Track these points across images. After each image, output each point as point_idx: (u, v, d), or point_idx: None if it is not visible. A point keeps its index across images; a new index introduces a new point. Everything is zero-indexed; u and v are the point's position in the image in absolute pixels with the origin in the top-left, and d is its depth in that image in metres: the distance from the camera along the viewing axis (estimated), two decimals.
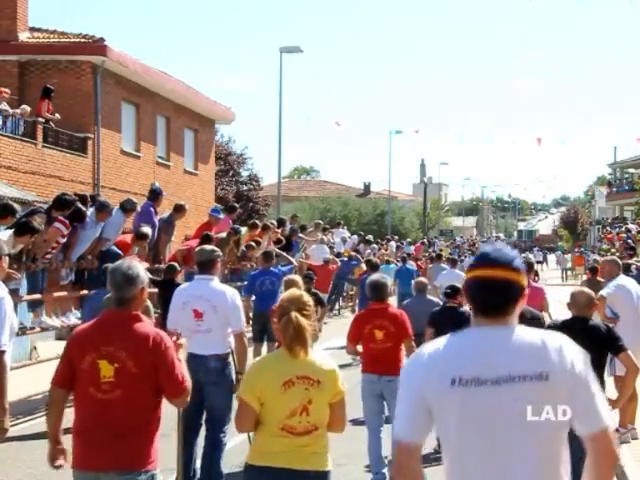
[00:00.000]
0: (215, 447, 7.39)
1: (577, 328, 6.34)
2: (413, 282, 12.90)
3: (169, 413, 7.04)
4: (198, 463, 7.48)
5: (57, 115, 20.29)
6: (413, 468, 2.83)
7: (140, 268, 4.66)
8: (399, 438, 2.83)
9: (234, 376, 7.44)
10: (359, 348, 8.10)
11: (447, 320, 8.20)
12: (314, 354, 4.46)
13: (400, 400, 2.92)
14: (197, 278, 7.81)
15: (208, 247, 8.25)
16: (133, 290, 4.54)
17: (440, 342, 2.87)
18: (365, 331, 7.88)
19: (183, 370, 4.67)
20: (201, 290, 7.48)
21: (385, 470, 7.64)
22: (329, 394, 4.42)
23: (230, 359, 7.55)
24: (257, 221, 19.91)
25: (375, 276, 8.38)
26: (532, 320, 6.71)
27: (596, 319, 7.13)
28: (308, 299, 4.49)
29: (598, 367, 6.47)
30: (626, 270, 12.14)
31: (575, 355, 2.77)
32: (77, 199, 11.82)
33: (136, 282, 4.54)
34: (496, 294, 2.82)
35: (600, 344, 6.32)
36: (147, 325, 4.63)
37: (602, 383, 6.50)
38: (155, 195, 14.64)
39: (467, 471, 2.77)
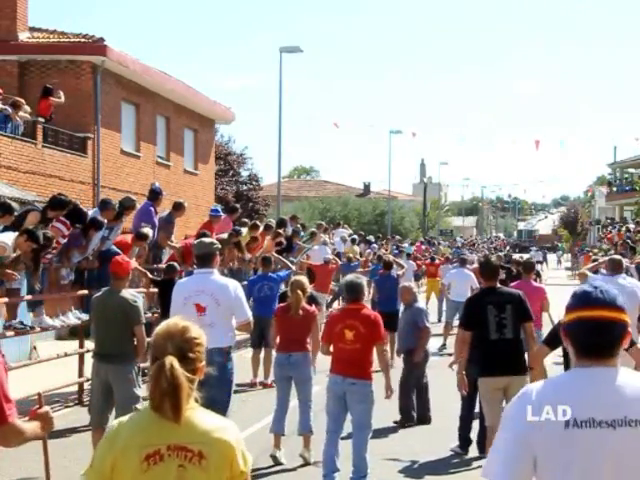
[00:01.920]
0: None
1: None
2: (400, 289, 12.93)
3: None
4: None
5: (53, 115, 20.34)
6: None
7: None
8: None
9: (234, 370, 7.64)
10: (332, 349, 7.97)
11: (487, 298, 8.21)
12: (199, 414, 3.09)
13: (499, 443, 2.79)
14: (197, 272, 7.76)
15: (207, 240, 8.17)
16: None
17: (546, 384, 2.83)
18: (336, 330, 7.72)
19: (7, 393, 3.68)
20: (202, 284, 7.45)
21: (336, 474, 7.61)
22: (218, 475, 3.04)
23: (231, 353, 7.59)
24: (258, 222, 19.90)
25: (350, 276, 8.22)
26: None
27: None
28: (197, 334, 3.18)
29: None
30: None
31: None
32: (72, 200, 11.87)
33: None
34: (600, 335, 2.78)
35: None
36: None
37: None
38: (155, 195, 14.64)
39: None
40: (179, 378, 3.00)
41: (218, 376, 7.14)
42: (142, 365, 8.75)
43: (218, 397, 7.25)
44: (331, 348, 7.89)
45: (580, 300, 2.84)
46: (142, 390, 8.25)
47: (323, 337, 8.11)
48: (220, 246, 8.07)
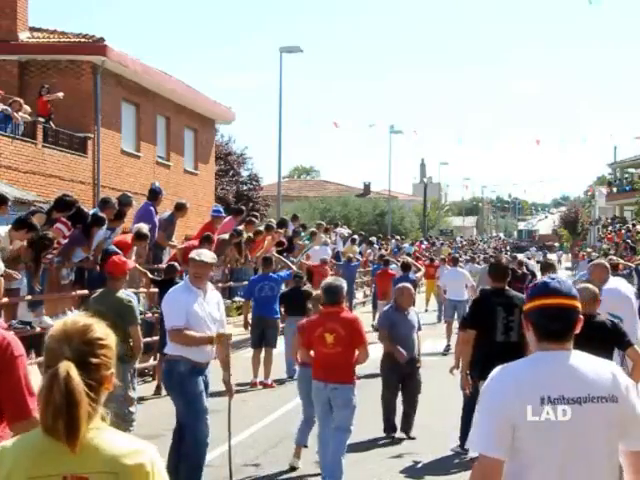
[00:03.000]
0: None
1: (583, 325, 6.36)
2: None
3: (169, 411, 7.05)
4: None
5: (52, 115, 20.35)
6: None
7: None
8: (485, 452, 3.03)
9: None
10: (312, 354, 7.78)
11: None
12: (106, 436, 2.48)
13: (482, 417, 3.11)
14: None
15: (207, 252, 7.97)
16: None
17: (518, 365, 3.14)
18: (316, 334, 7.55)
19: (31, 387, 3.43)
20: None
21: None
22: None
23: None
24: (253, 218, 19.77)
25: (330, 279, 8.11)
26: (614, 330, 6.63)
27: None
28: (103, 334, 2.55)
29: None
30: (614, 269, 12.14)
31: (627, 380, 3.13)
32: (77, 200, 11.84)
33: None
34: (561, 321, 3.12)
35: (606, 340, 6.32)
36: None
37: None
38: (155, 194, 14.63)
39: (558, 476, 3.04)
40: (76, 390, 2.38)
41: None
42: (138, 366, 8.71)
43: (179, 409, 7.22)
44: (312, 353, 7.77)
45: (540, 290, 3.16)
46: (136, 392, 8.23)
47: (303, 343, 7.92)
48: (216, 259, 7.89)
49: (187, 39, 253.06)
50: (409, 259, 20.33)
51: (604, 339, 6.29)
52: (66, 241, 11.24)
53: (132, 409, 8.02)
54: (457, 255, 25.31)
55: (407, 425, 9.93)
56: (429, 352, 14.76)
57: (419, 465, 8.79)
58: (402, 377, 9.94)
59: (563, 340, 3.11)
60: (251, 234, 17.67)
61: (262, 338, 13.47)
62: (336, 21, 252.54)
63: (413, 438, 9.80)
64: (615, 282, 9.70)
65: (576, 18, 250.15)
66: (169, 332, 7.14)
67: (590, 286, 6.87)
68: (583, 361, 3.10)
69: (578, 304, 3.17)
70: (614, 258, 17.09)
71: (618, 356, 7.30)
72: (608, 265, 10.23)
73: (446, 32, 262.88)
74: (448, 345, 17.11)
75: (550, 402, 2.99)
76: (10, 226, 9.97)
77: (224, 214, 17.17)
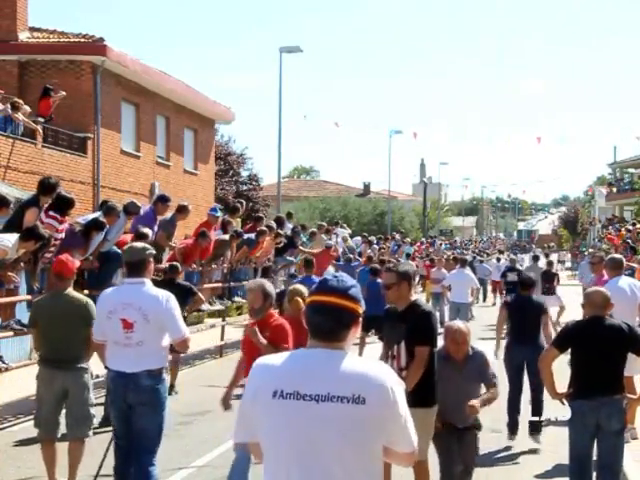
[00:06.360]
0: None
1: (596, 328, 6.26)
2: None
3: (169, 411, 7.06)
4: None
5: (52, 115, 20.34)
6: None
7: None
8: (235, 440, 3.31)
9: (167, 395, 6.67)
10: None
11: (520, 306, 9.74)
12: None
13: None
14: (126, 282, 6.69)
15: (138, 245, 6.99)
16: None
17: (273, 357, 3.11)
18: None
19: None
20: (130, 296, 6.43)
21: None
22: None
23: (164, 375, 6.64)
24: (237, 204, 19.60)
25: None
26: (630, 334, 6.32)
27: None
28: None
29: (617, 367, 6.29)
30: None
31: (394, 385, 2.99)
32: (58, 182, 11.69)
33: None
34: (328, 319, 3.02)
35: (620, 343, 6.21)
36: None
37: (621, 383, 6.34)
38: (163, 201, 14.43)
39: (286, 473, 2.99)
40: None
41: (148, 403, 6.44)
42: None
43: (149, 426, 6.48)
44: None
45: (317, 286, 3.12)
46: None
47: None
48: (154, 252, 6.91)
49: (187, 39, 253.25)
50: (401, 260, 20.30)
51: (618, 342, 6.19)
52: (62, 236, 11.18)
53: (92, 410, 7.81)
54: (463, 257, 24.89)
55: None
56: None
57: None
58: None
59: (329, 339, 3.01)
60: (233, 220, 17.58)
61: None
62: (336, 21, 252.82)
63: None
64: (617, 280, 9.74)
65: (578, 18, 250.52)
66: (185, 340, 6.50)
67: (601, 289, 6.69)
68: (343, 361, 2.98)
69: (354, 305, 3.04)
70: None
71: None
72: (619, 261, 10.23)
73: (446, 32, 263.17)
74: None
75: (282, 396, 2.95)
76: (18, 236, 9.88)
77: (220, 214, 17.13)
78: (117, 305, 6.42)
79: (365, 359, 3.11)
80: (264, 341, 6.82)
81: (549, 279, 20.62)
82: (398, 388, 3.01)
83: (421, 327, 6.51)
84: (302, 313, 7.44)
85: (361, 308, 3.09)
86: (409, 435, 3.05)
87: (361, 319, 3.09)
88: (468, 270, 19.76)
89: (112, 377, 6.61)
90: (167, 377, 6.85)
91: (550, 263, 22.05)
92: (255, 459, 3.26)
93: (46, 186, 10.98)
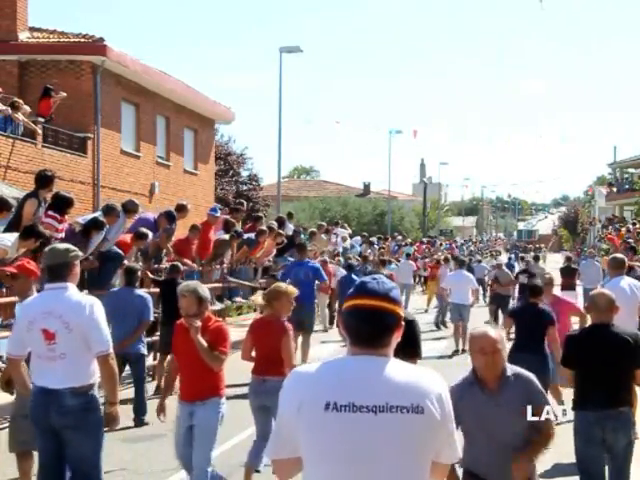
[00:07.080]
0: None
1: (598, 338, 6.02)
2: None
3: (170, 411, 7.05)
4: None
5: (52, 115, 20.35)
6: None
7: None
8: (273, 457, 2.99)
9: (101, 413, 5.79)
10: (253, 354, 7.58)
11: (526, 315, 9.42)
12: None
13: (277, 421, 3.00)
14: (47, 288, 5.87)
15: (61, 246, 6.13)
16: None
17: (312, 367, 2.92)
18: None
19: None
20: (51, 304, 5.65)
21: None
22: None
23: (94, 391, 5.75)
24: (239, 205, 19.60)
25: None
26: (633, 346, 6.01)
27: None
28: None
29: (622, 378, 6.01)
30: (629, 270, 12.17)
31: (447, 393, 2.90)
32: (55, 174, 11.75)
33: None
34: (371, 324, 2.86)
35: (625, 354, 5.94)
36: None
37: (628, 395, 6.11)
38: (169, 219, 14.33)
39: None
40: None
41: (77, 426, 5.63)
42: None
43: (82, 452, 5.70)
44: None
45: (356, 289, 2.92)
46: None
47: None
48: (80, 254, 6.14)
49: (187, 39, 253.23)
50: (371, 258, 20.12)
51: (623, 353, 5.93)
52: (62, 236, 11.18)
53: None
54: (463, 258, 24.79)
55: None
56: (430, 355, 14.74)
57: None
58: None
59: (374, 345, 2.86)
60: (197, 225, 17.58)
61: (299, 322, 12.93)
62: (336, 21, 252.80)
63: None
64: (617, 280, 9.73)
65: (578, 18, 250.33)
66: (107, 356, 5.68)
67: (606, 292, 6.37)
68: (393, 369, 2.84)
69: (396, 308, 2.89)
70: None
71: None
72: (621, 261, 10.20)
73: (447, 32, 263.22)
74: (456, 351, 16.32)
75: (336, 409, 2.78)
76: (17, 235, 9.90)
77: (219, 214, 17.11)
78: (37, 314, 5.66)
79: (415, 366, 2.98)
80: (204, 343, 6.46)
81: (569, 274, 20.71)
82: (449, 396, 2.92)
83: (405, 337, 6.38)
84: (285, 311, 7.57)
85: (402, 310, 2.94)
86: (455, 445, 2.99)
87: (403, 322, 2.94)
88: (466, 271, 19.69)
89: (33, 392, 5.80)
90: (99, 393, 5.89)
91: (569, 258, 22.45)
92: (278, 479, 3.08)
93: (43, 178, 11.08)
